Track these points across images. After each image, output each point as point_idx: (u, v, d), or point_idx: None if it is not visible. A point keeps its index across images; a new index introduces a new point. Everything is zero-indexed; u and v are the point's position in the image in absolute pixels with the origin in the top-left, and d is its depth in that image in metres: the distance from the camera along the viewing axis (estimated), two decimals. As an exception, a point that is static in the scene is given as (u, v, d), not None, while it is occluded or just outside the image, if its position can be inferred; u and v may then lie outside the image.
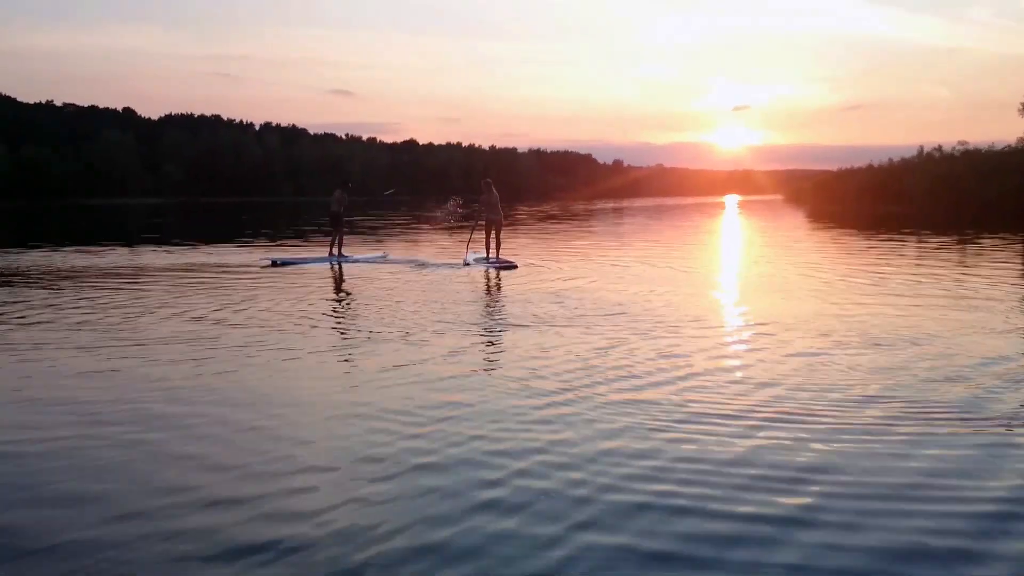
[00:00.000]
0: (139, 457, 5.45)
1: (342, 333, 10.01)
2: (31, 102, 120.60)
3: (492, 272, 17.10)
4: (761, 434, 5.80)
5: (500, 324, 10.52)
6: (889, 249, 22.63)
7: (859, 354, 8.41)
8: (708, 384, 7.23)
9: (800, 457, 5.35)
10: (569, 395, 6.86)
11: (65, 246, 24.76)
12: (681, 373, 7.66)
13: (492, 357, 8.61)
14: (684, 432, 5.84)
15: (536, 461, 5.28)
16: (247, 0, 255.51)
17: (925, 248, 23.13)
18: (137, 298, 13.09)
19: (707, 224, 43.46)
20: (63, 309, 11.86)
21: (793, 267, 17.92)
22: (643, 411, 6.37)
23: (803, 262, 19.17)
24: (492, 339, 9.62)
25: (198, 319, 10.86)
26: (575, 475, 5.05)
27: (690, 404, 6.57)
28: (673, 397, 6.78)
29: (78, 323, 10.62)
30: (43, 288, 14.43)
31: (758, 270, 17.78)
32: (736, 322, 10.77)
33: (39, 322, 10.74)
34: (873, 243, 25.07)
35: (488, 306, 12.24)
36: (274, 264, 18.92)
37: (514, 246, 23.08)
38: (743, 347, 9.02)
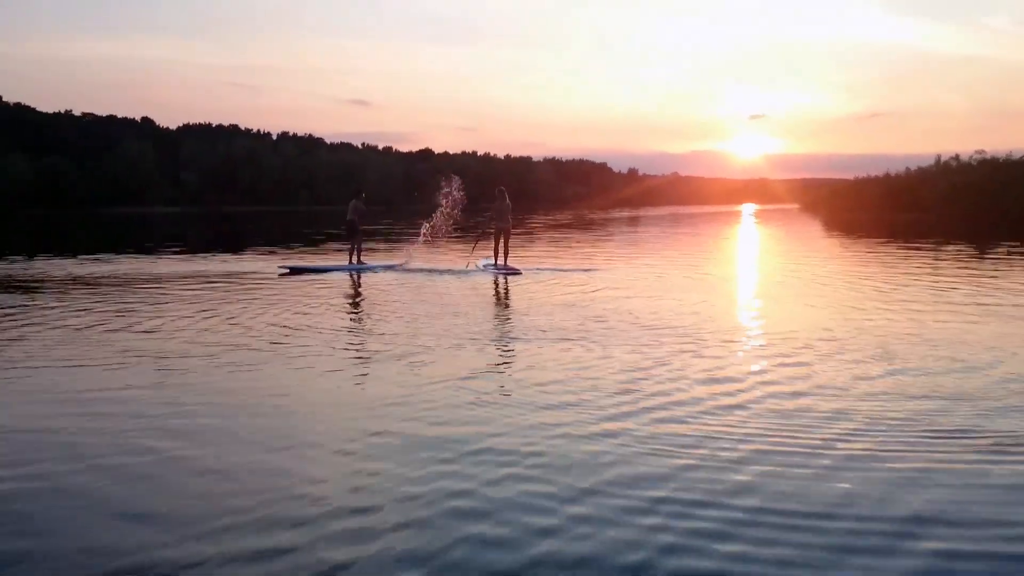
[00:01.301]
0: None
1: (358, 349, 9.67)
2: (50, 111, 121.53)
3: (502, 280, 17.30)
4: (847, 475, 5.29)
5: (525, 338, 10.08)
6: (916, 258, 22.57)
7: (939, 375, 7.95)
8: (767, 413, 6.71)
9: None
10: (613, 423, 6.42)
11: (82, 255, 25.03)
12: (734, 400, 7.13)
13: (519, 377, 8.09)
14: (756, 474, 5.29)
15: (593, 503, 4.82)
16: (266, 10, 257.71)
17: (971, 259, 23.06)
18: (154, 308, 13.28)
19: (723, 232, 43.37)
20: (83, 317, 12.08)
21: (818, 275, 17.97)
22: (702, 445, 5.86)
23: (830, 271, 19.20)
24: (517, 355, 9.21)
25: (210, 330, 10.81)
26: (645, 521, 4.58)
27: (752, 438, 6.01)
28: (733, 429, 6.26)
29: (80, 332, 10.80)
30: (59, 296, 14.66)
31: (786, 280, 17.66)
32: (779, 338, 10.12)
33: (60, 327, 10.97)
34: (897, 252, 24.99)
35: (508, 318, 12.07)
36: (291, 272, 19.13)
37: (532, 254, 23.23)
38: (794, 367, 8.45)
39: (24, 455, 5.72)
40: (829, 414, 6.61)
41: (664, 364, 8.49)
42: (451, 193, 21.36)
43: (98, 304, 13.38)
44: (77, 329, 10.82)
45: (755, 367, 8.51)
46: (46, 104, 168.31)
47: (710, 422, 6.42)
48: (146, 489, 5.10)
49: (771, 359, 8.81)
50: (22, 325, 11.20)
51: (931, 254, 23.99)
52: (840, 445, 5.85)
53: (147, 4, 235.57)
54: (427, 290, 15.33)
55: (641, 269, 19.58)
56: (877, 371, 8.11)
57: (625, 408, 6.82)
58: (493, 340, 10.11)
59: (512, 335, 10.43)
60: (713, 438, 6.01)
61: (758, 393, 7.34)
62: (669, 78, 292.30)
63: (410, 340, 9.97)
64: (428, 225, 21.64)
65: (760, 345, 9.79)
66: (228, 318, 11.82)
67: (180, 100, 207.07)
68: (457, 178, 21.89)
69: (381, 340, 10.09)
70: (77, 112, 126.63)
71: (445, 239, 22.24)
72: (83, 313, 12.29)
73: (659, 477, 5.24)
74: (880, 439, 5.97)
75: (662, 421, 6.45)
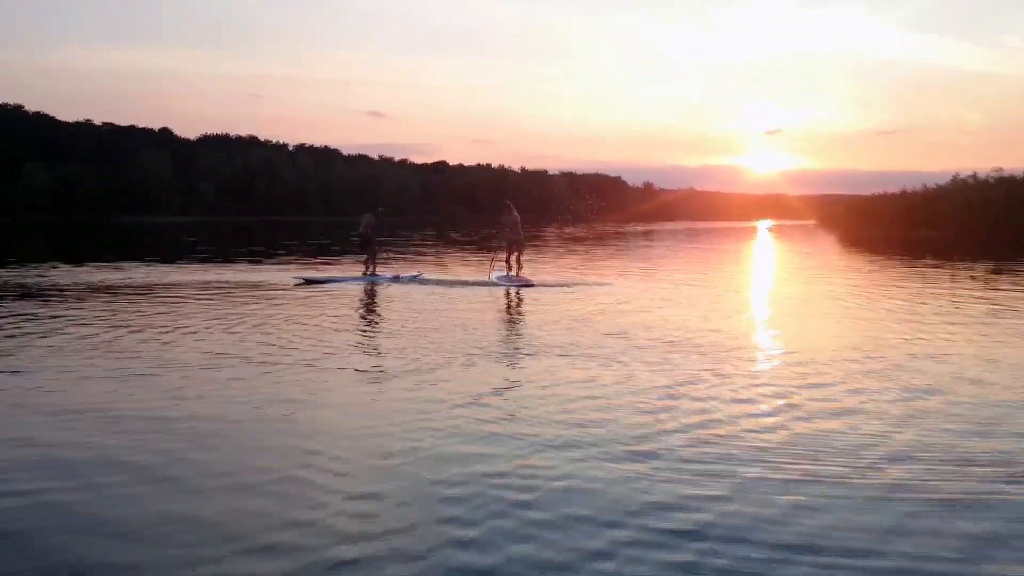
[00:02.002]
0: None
1: (372, 364, 9.38)
2: (69, 120, 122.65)
3: (515, 292, 17.33)
4: (892, 506, 5.00)
5: (542, 354, 9.86)
6: (934, 276, 22.35)
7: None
8: (802, 437, 6.38)
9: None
10: (641, 444, 6.17)
11: (97, 263, 25.10)
12: (766, 422, 6.80)
13: (538, 395, 7.80)
14: (794, 506, 4.95)
15: (623, 536, 4.53)
16: (284, 23, 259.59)
17: (992, 277, 22.83)
18: (169, 317, 13.24)
19: (741, 248, 43.18)
20: (99, 325, 12.05)
21: (837, 293, 17.82)
22: (735, 472, 5.57)
23: (845, 288, 19.04)
24: (534, 372, 8.90)
25: (222, 343, 10.68)
26: (676, 558, 4.31)
27: (789, 465, 5.70)
28: (767, 454, 5.93)
29: (101, 343, 10.77)
30: (69, 304, 14.65)
31: (806, 296, 17.54)
32: (805, 357, 9.78)
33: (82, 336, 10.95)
34: (914, 269, 24.77)
35: (524, 334, 11.80)
36: (305, 282, 19.10)
37: (548, 267, 23.16)
38: (824, 387, 8.16)
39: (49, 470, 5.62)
40: (866, 438, 6.37)
41: (690, 384, 8.25)
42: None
43: (108, 313, 13.31)
44: (81, 338, 10.72)
45: (784, 388, 8.21)
46: (67, 113, 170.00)
47: (742, 447, 6.17)
48: (148, 507, 4.93)
49: (799, 379, 8.54)
50: (26, 332, 11.12)
51: (950, 272, 23.75)
52: (883, 472, 5.60)
53: (169, 16, 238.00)
54: (441, 302, 15.23)
55: (659, 284, 19.41)
56: (910, 394, 7.87)
57: (651, 430, 6.58)
58: (508, 356, 9.94)
59: (528, 351, 10.21)
60: (747, 463, 5.76)
61: (790, 416, 7.08)
62: (685, 92, 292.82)
63: (424, 355, 9.78)
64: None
65: (786, 364, 9.51)
66: (240, 329, 11.71)
67: (199, 111, 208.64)
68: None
69: (394, 354, 9.91)
70: (97, 122, 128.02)
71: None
72: (91, 322, 12.20)
73: (691, 507, 4.96)
74: (923, 467, 5.72)
75: (690, 444, 6.20)
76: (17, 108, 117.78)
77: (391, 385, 8.26)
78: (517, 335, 11.74)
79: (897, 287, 18.93)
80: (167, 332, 11.39)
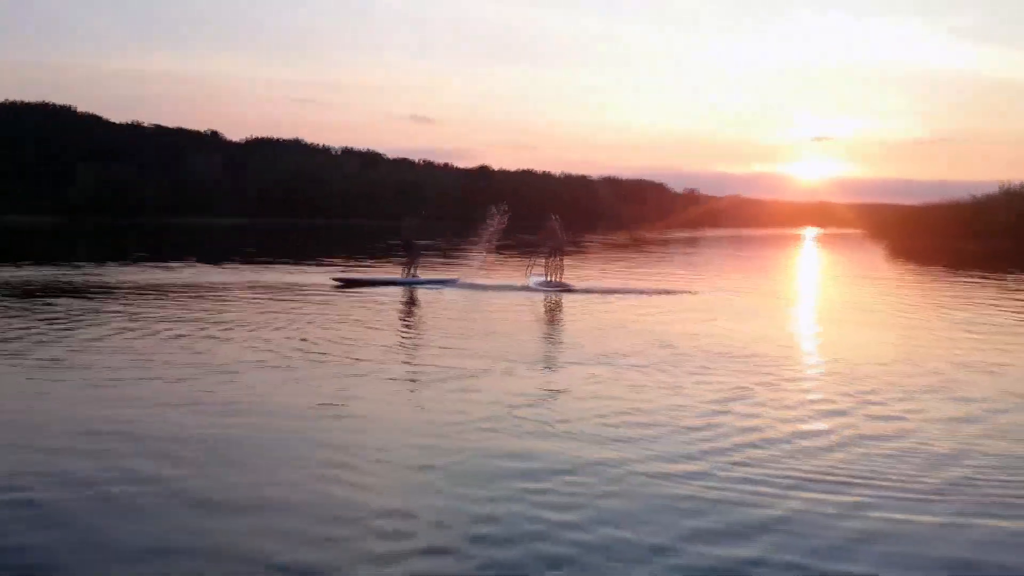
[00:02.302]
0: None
1: (412, 369, 9.37)
2: (120, 123, 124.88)
3: (555, 296, 17.41)
4: (975, 531, 4.81)
5: (588, 363, 9.73)
6: (988, 288, 21.79)
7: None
8: (867, 456, 6.10)
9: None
10: (689, 464, 5.90)
11: (150, 262, 25.45)
12: (826, 441, 6.49)
13: (579, 407, 7.59)
14: (862, 532, 4.76)
15: (673, 561, 4.37)
16: (333, 28, 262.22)
17: None
18: (213, 316, 13.33)
19: (788, 257, 42.58)
20: (152, 323, 12.16)
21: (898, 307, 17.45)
22: (793, 492, 5.35)
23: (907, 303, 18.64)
24: (579, 382, 8.69)
25: (258, 346, 10.62)
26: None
27: (852, 486, 5.44)
28: (828, 474, 5.70)
29: (146, 341, 10.85)
30: (127, 302, 14.82)
31: (860, 306, 17.13)
32: (861, 370, 9.54)
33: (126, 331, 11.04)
34: (967, 281, 24.16)
35: (567, 341, 11.71)
36: (344, 284, 19.12)
37: (589, 273, 23.01)
38: (885, 403, 7.91)
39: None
40: (938, 457, 6.11)
41: (737, 398, 7.99)
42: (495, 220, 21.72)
43: (154, 312, 13.40)
44: (128, 338, 10.81)
45: (836, 404, 7.90)
46: (117, 116, 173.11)
47: (794, 467, 5.89)
48: (172, 521, 4.89)
49: (851, 395, 8.24)
50: (72, 330, 11.25)
51: (1000, 284, 23.14)
52: (961, 494, 5.34)
53: (219, 21, 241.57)
54: (479, 307, 15.18)
55: (706, 291, 19.08)
56: (976, 410, 7.59)
57: (698, 448, 6.34)
58: (548, 364, 9.84)
59: (569, 359, 10.08)
60: (799, 485, 5.49)
61: (844, 435, 6.76)
62: (731, 99, 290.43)
63: (461, 361, 9.66)
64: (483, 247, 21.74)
65: (837, 377, 9.21)
66: (274, 334, 11.62)
67: (247, 114, 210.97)
68: (504, 206, 22.13)
69: (431, 361, 9.83)
70: (147, 124, 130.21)
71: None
72: (138, 320, 12.31)
73: (746, 532, 4.73)
74: (1000, 489, 5.46)
75: (741, 464, 5.95)
76: (70, 109, 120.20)
77: (427, 394, 8.15)
78: (557, 342, 11.62)
79: (948, 298, 18.46)
80: (201, 333, 11.46)
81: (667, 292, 18.69)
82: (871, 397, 8.18)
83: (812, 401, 8.00)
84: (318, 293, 17.19)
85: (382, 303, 15.80)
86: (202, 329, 11.90)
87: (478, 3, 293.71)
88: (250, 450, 6.25)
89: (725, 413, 7.38)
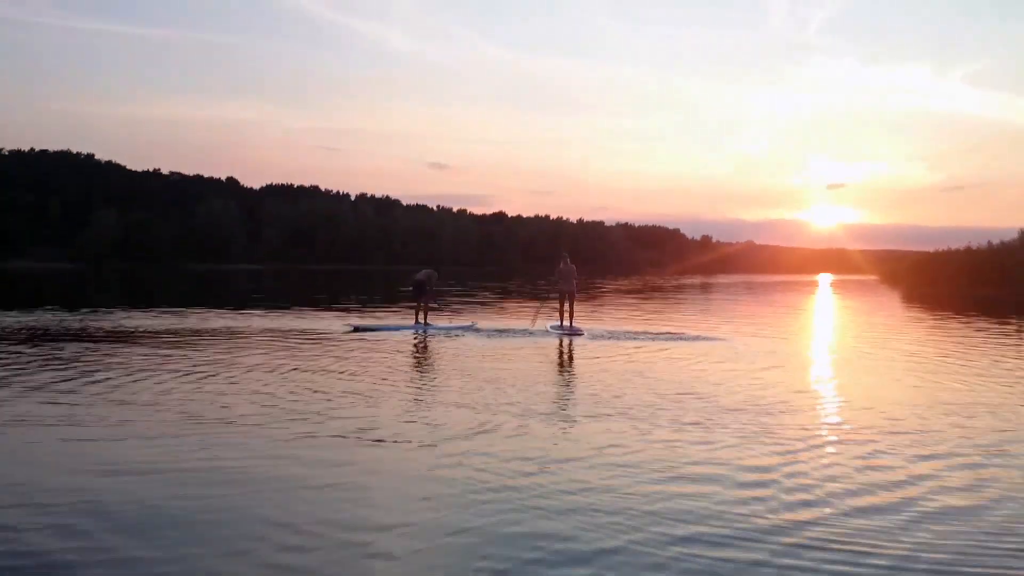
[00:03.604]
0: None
1: (417, 427, 8.68)
2: (140, 170, 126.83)
3: (568, 342, 17.43)
4: None
5: (595, 415, 9.27)
6: (1001, 336, 21.68)
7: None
8: (944, 529, 5.54)
9: None
10: (732, 551, 5.12)
11: (162, 307, 25.69)
12: (890, 517, 5.78)
13: (593, 468, 6.97)
14: None
15: None
16: (349, 76, 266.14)
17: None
18: (219, 363, 13.44)
19: (801, 302, 42.46)
20: (165, 373, 12.28)
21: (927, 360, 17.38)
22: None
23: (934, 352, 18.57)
24: (589, 438, 8.09)
25: (260, 396, 10.33)
26: None
27: (916, 561, 4.97)
28: (891, 547, 5.18)
29: (153, 390, 10.97)
30: (141, 347, 14.97)
31: (890, 357, 16.84)
32: (912, 430, 8.76)
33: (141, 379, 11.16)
34: (987, 329, 24.05)
35: (583, 391, 11.14)
36: (356, 330, 19.24)
37: (603, 318, 23.06)
38: (955, 462, 7.38)
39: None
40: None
41: (786, 462, 7.27)
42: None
43: (160, 356, 13.57)
44: (133, 382, 10.93)
45: (897, 462, 7.32)
46: (136, 163, 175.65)
47: (864, 543, 5.30)
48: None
49: (927, 456, 7.59)
50: (79, 375, 11.42)
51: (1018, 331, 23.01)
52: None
53: (237, 68, 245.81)
54: (492, 354, 15.13)
55: (721, 337, 18.92)
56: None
57: (749, 523, 5.61)
58: (562, 417, 9.22)
59: (586, 412, 9.44)
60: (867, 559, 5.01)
61: (922, 500, 6.18)
62: (746, 145, 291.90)
63: (471, 415, 9.16)
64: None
65: (889, 432, 8.54)
66: (283, 383, 11.40)
67: (264, 160, 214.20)
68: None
69: (442, 415, 9.26)
70: (165, 171, 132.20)
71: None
72: (142, 366, 12.47)
73: None
74: None
75: (802, 547, 5.18)
76: (90, 157, 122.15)
77: (433, 453, 7.53)
78: (571, 392, 11.21)
79: (967, 346, 18.38)
80: (206, 378, 11.55)
81: (693, 338, 18.63)
82: (943, 454, 7.76)
83: (867, 469, 7.19)
84: (330, 339, 17.27)
85: (396, 350, 15.79)
86: (206, 376, 11.96)
87: (494, 50, 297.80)
88: (243, 509, 5.88)
89: (771, 482, 6.68)
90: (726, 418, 9.16)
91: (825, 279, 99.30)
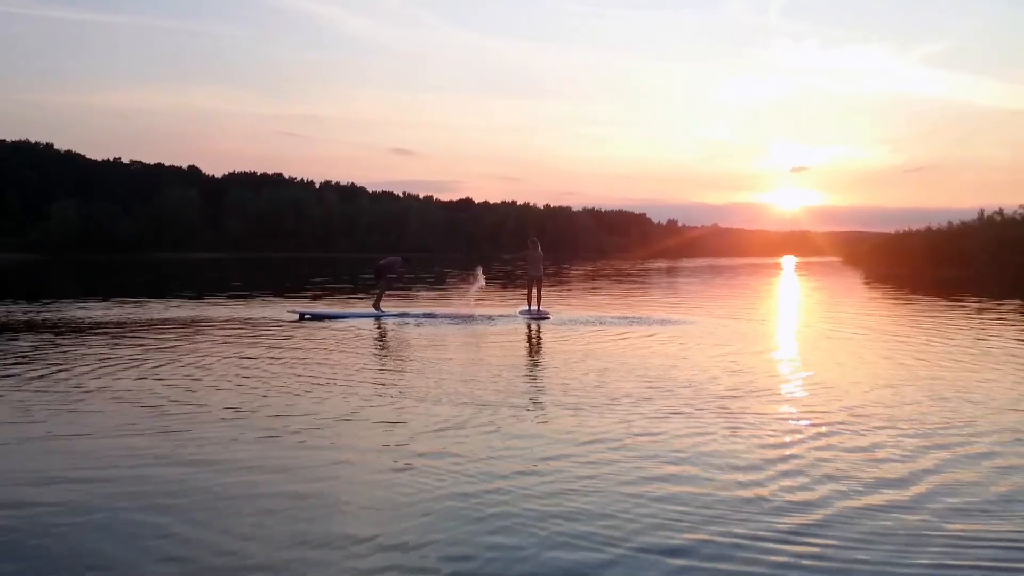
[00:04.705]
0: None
1: (372, 425, 8.01)
2: (99, 159, 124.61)
3: (536, 328, 17.31)
4: None
5: (565, 405, 8.88)
6: (967, 316, 21.89)
7: None
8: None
9: None
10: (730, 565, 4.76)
11: (116, 298, 25.17)
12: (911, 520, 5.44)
13: (572, 466, 6.56)
14: None
15: None
16: (312, 61, 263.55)
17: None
18: (147, 352, 13.14)
19: (765, 285, 42.67)
20: (116, 366, 11.94)
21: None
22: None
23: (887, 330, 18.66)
24: (560, 433, 7.60)
25: (209, 382, 10.23)
26: None
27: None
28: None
29: (85, 383, 10.66)
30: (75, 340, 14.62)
31: (844, 336, 16.98)
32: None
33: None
34: (941, 309, 24.27)
35: (546, 379, 10.80)
36: (302, 318, 18.83)
37: (574, 303, 22.97)
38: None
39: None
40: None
41: (778, 454, 6.96)
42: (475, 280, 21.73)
43: (112, 349, 13.20)
44: (59, 379, 10.59)
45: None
46: (96, 152, 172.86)
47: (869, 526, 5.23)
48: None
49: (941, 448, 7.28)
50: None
51: (982, 310, 23.27)
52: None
53: (198, 56, 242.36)
54: (452, 342, 14.91)
55: (687, 320, 18.84)
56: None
57: (748, 529, 5.23)
58: (533, 409, 8.68)
59: (556, 402, 9.02)
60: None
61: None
62: (711, 129, 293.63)
63: (434, 409, 8.64)
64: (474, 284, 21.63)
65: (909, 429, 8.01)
66: (229, 366, 11.32)
67: (226, 149, 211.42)
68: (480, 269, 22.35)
69: (401, 410, 8.62)
70: (126, 160, 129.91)
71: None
72: (86, 362, 12.12)
73: None
74: None
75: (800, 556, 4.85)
76: (48, 147, 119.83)
77: (391, 456, 6.87)
78: (543, 382, 10.61)
79: (919, 326, 18.53)
80: (127, 370, 11.22)
81: (662, 322, 18.57)
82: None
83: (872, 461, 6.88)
84: (278, 328, 16.95)
85: (348, 338, 15.54)
86: (134, 368, 11.55)
87: (459, 35, 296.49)
88: (201, 517, 5.46)
89: (768, 479, 6.36)
90: (704, 405, 8.96)
91: (789, 261, 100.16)
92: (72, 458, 6.76)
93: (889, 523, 5.36)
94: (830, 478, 6.30)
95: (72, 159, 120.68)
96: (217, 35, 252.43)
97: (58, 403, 8.92)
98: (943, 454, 7.02)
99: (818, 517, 5.44)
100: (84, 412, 8.48)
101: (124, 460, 6.70)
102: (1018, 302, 26.28)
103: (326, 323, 17.99)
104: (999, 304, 25.27)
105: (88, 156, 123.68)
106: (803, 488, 6.05)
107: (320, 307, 22.17)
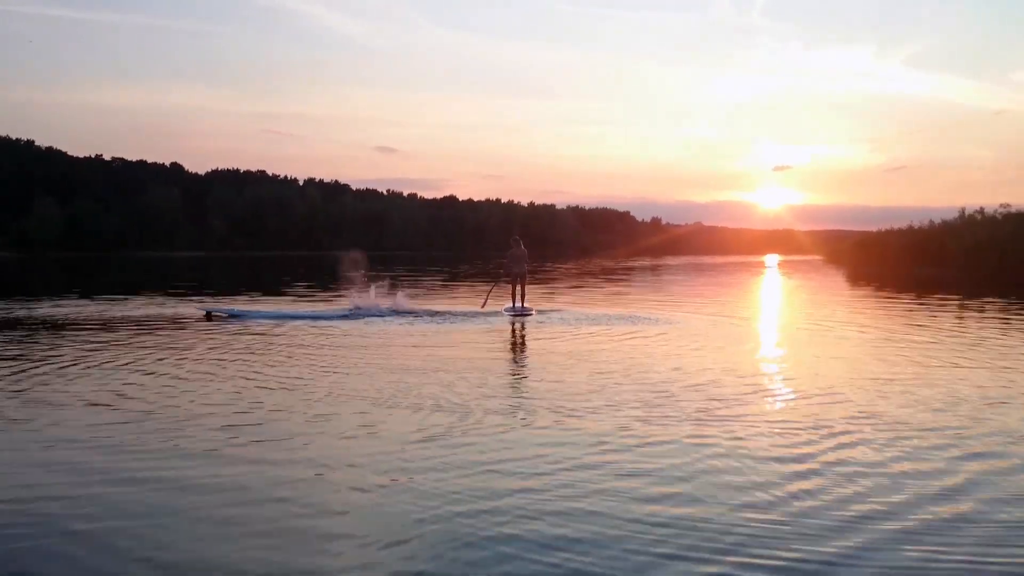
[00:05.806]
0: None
1: (364, 430, 7.60)
2: (81, 156, 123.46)
3: (519, 325, 17.44)
4: None
5: (545, 409, 8.56)
6: (948, 314, 22.10)
7: None
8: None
9: None
10: None
11: (110, 295, 25.04)
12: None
13: (550, 474, 6.22)
14: None
15: None
16: (295, 59, 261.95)
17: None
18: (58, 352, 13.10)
19: (751, 283, 42.84)
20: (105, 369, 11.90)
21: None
22: None
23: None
24: (537, 439, 7.30)
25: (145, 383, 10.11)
26: None
27: None
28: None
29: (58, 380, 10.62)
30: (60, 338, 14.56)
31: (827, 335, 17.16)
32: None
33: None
34: (922, 306, 24.49)
35: (527, 380, 10.66)
36: (208, 316, 18.28)
37: (559, 300, 23.02)
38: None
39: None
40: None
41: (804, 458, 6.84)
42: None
43: (53, 350, 13.20)
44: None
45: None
46: (78, 149, 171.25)
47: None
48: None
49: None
50: None
51: (963, 308, 23.49)
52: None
53: (180, 53, 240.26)
54: (440, 341, 14.87)
55: (680, 320, 18.72)
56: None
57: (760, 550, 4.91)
58: (511, 414, 8.39)
59: (532, 406, 8.76)
60: None
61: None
62: (694, 128, 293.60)
63: (411, 413, 8.29)
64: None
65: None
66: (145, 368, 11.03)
67: (209, 146, 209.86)
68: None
69: (388, 413, 8.24)
70: (108, 157, 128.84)
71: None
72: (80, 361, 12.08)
73: None
74: None
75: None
76: (30, 144, 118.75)
77: (368, 471, 6.29)
78: (528, 385, 10.24)
79: (915, 325, 18.69)
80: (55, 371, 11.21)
81: (647, 320, 18.57)
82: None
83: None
84: (184, 328, 16.84)
85: (297, 339, 15.51)
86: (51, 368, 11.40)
87: (444, 34, 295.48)
88: (139, 532, 5.13)
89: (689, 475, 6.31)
90: (696, 409, 8.73)
91: (772, 260, 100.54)
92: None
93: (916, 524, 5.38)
94: (845, 483, 6.18)
95: (53, 156, 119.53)
96: (201, 32, 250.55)
97: None
98: (974, 464, 6.74)
99: (845, 541, 5.09)
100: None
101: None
102: (998, 300, 26.54)
103: (244, 322, 17.33)
104: (983, 303, 25.52)
105: (70, 153, 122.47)
106: (818, 500, 5.83)
107: (238, 306, 21.04)
